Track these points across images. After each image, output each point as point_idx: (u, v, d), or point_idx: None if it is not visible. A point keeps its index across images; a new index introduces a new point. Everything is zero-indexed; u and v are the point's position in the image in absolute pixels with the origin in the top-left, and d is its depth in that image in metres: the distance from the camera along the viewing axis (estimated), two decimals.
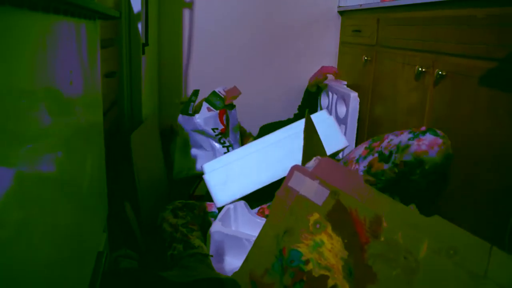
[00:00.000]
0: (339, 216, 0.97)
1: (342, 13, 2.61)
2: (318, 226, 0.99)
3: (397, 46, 1.91)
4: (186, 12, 2.46)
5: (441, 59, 1.54)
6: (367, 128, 2.20)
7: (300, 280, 0.97)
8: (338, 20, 2.64)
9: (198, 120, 1.83)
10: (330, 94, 2.45)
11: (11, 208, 0.48)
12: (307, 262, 0.97)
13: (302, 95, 2.60)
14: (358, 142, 2.28)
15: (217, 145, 1.86)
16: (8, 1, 0.44)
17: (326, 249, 0.97)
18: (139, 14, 1.59)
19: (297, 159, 1.39)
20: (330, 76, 2.62)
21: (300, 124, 1.51)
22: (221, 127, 1.86)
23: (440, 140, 1.35)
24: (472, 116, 1.37)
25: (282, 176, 1.39)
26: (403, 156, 1.37)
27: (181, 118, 1.88)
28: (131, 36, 1.59)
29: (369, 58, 2.17)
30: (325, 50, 2.68)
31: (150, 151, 1.65)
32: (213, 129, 1.85)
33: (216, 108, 1.87)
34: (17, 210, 0.50)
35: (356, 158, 1.54)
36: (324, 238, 0.97)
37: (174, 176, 1.90)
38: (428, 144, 1.34)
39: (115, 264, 1.19)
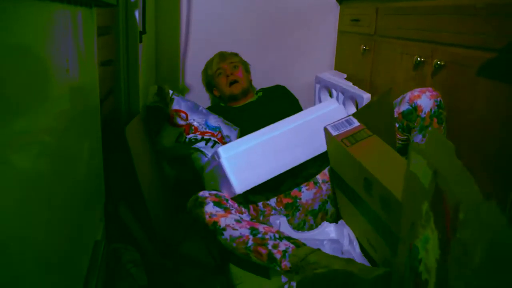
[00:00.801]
0: (438, 205, 0.74)
1: (340, 1, 2.59)
2: (427, 217, 0.78)
3: (395, 35, 1.90)
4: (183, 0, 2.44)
5: (440, 49, 1.54)
6: None
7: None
8: (336, 9, 2.63)
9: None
10: (334, 92, 2.34)
11: (8, 194, 0.48)
12: (419, 261, 0.79)
13: (300, 85, 2.60)
14: None
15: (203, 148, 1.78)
16: None
17: (430, 247, 0.76)
18: (136, 1, 1.57)
19: (317, 143, 1.41)
20: (327, 68, 2.61)
21: (317, 108, 1.51)
22: (181, 129, 1.75)
23: (430, 88, 1.45)
24: (470, 106, 1.37)
25: (301, 161, 1.41)
26: (400, 107, 1.47)
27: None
28: (128, 23, 1.58)
29: (367, 48, 2.17)
30: (323, 39, 2.67)
31: (147, 142, 1.64)
32: (177, 142, 1.74)
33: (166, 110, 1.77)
34: (13, 196, 0.50)
35: None
36: (429, 232, 0.77)
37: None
38: (420, 90, 1.45)
39: (116, 255, 1.19)
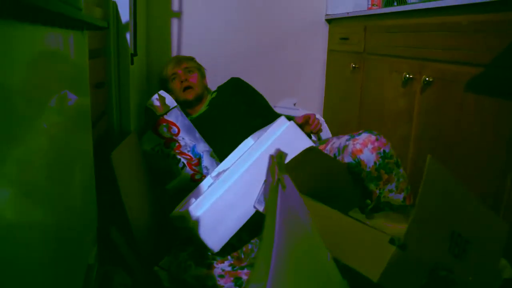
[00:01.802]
0: None
1: (329, 21, 2.63)
2: None
3: (384, 53, 1.93)
4: (174, 21, 2.47)
5: (428, 65, 1.56)
6: None
7: None
8: (325, 28, 2.67)
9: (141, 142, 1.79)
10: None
11: (2, 219, 0.47)
12: None
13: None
14: None
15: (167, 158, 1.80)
16: None
17: None
18: (127, 24, 1.59)
19: None
20: (317, 86, 2.64)
21: (269, 133, 1.46)
22: (162, 140, 1.77)
23: (373, 137, 1.39)
24: (459, 121, 1.39)
25: None
26: (344, 158, 1.42)
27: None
28: (120, 46, 1.59)
29: (357, 66, 2.19)
30: (313, 58, 2.70)
31: (135, 167, 1.62)
32: (153, 150, 1.77)
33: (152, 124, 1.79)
34: (6, 220, 0.49)
35: None
36: None
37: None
38: (362, 143, 1.39)
39: (107, 278, 1.18)
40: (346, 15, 2.36)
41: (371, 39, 2.08)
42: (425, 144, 1.58)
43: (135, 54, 1.66)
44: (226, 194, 1.35)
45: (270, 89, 2.66)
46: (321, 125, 1.81)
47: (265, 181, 1.06)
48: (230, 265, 1.33)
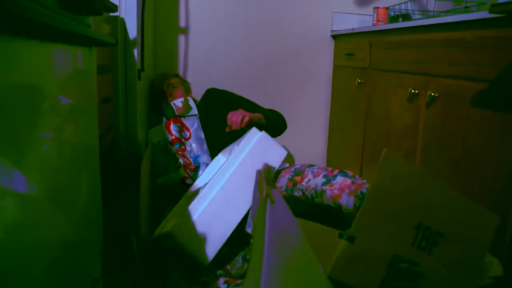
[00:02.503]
0: None
1: (335, 37, 2.65)
2: None
3: (389, 69, 1.94)
4: (181, 37, 2.49)
5: (433, 81, 1.57)
6: (362, 149, 2.21)
7: None
8: (331, 44, 2.68)
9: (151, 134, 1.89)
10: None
11: (5, 231, 0.48)
12: None
13: (296, 119, 2.62)
14: (363, 166, 2.28)
15: (167, 155, 1.87)
16: (6, 30, 0.45)
17: None
18: (135, 40, 1.61)
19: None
20: (323, 101, 2.64)
21: (243, 145, 1.49)
22: (170, 138, 1.85)
23: (349, 181, 1.41)
24: (465, 136, 1.38)
25: (249, 206, 1.39)
26: (324, 200, 1.42)
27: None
28: (127, 62, 1.61)
29: (362, 81, 2.20)
30: (319, 74, 2.71)
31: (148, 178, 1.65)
32: (160, 143, 1.85)
33: (167, 119, 1.89)
34: (11, 234, 0.50)
35: (284, 189, 1.57)
36: None
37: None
38: (339, 188, 1.40)
39: None
40: (352, 31, 2.37)
41: (376, 55, 2.09)
42: (431, 158, 1.58)
43: (142, 70, 1.68)
44: (210, 207, 1.38)
45: (276, 104, 2.67)
46: (245, 116, 1.75)
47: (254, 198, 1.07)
48: (225, 282, 1.32)
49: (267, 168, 0.94)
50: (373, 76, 2.10)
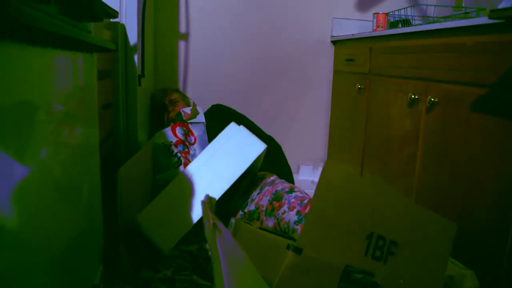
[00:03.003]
0: None
1: (335, 42, 2.66)
2: None
3: (389, 74, 1.94)
4: (181, 43, 2.50)
5: (433, 86, 1.57)
6: (362, 154, 2.21)
7: None
8: (331, 49, 2.69)
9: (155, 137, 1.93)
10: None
11: (6, 237, 0.48)
12: None
13: (296, 124, 2.63)
14: (364, 166, 2.28)
15: (169, 156, 1.90)
16: (9, 36, 0.46)
17: None
18: (135, 46, 1.61)
19: (229, 174, 1.45)
20: (324, 106, 2.64)
21: (220, 138, 1.54)
22: (174, 139, 1.89)
23: (305, 201, 1.46)
24: (465, 141, 1.39)
25: (218, 196, 1.43)
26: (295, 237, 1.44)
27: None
28: (128, 68, 1.62)
29: (362, 86, 2.20)
30: (319, 79, 2.72)
31: (140, 184, 1.64)
32: (164, 144, 1.89)
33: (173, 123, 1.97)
34: (13, 237, 0.50)
35: (264, 210, 1.59)
36: None
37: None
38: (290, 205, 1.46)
39: None
40: (351, 37, 2.38)
41: (376, 60, 2.09)
42: (431, 163, 1.58)
43: (142, 75, 1.68)
44: (174, 198, 1.40)
45: (276, 109, 2.68)
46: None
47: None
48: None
49: (209, 199, 0.98)
50: (373, 81, 2.10)
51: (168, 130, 1.88)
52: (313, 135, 2.76)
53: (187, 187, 1.41)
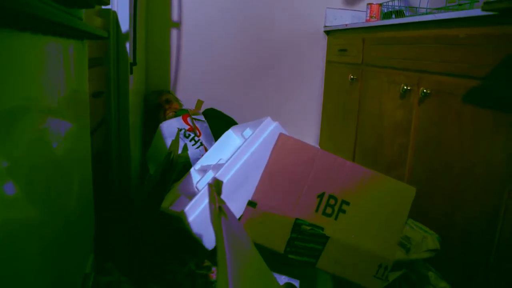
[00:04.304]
0: None
1: (328, 32, 2.65)
2: None
3: (382, 65, 1.94)
4: (173, 32, 2.48)
5: (426, 77, 1.57)
6: (354, 145, 2.21)
7: None
8: (324, 39, 2.68)
9: (168, 123, 2.05)
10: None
11: None
12: None
13: (289, 114, 2.63)
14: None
15: (185, 140, 2.02)
16: None
17: None
18: (127, 33, 1.59)
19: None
20: (316, 97, 2.64)
21: (257, 134, 1.49)
22: (187, 127, 2.03)
23: None
24: (457, 133, 1.39)
25: None
26: None
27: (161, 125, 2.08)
28: (119, 55, 1.60)
29: (355, 77, 2.20)
30: (311, 69, 2.71)
31: None
32: (179, 129, 2.01)
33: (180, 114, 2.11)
34: (2, 225, 0.49)
35: None
36: None
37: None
38: None
39: None
40: (345, 27, 2.37)
41: (369, 51, 2.09)
42: (423, 154, 1.59)
43: (134, 63, 1.67)
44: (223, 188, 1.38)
45: (268, 99, 2.67)
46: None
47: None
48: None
49: (216, 181, 1.00)
50: (366, 72, 2.10)
51: (179, 119, 2.01)
52: (305, 125, 2.76)
53: (231, 184, 1.39)
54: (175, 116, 2.13)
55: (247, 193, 1.38)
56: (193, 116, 2.09)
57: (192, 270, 1.34)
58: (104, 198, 1.38)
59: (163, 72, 2.51)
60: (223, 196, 1.34)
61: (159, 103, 2.29)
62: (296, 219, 1.15)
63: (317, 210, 1.16)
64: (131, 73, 1.66)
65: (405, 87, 1.68)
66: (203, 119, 2.11)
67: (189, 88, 2.50)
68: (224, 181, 1.38)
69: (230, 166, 1.41)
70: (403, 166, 1.69)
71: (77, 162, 0.95)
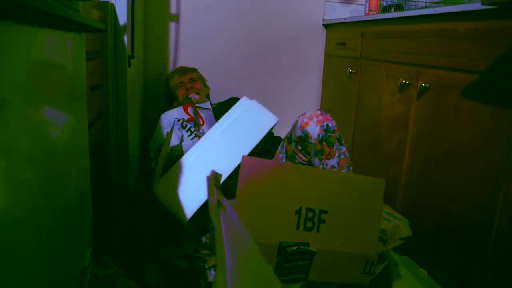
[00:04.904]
0: None
1: (326, 26, 2.64)
2: None
3: (381, 58, 1.94)
4: (172, 24, 2.47)
5: (424, 71, 1.57)
6: (352, 139, 2.21)
7: None
8: (323, 33, 2.67)
9: (168, 113, 2.00)
10: None
11: None
12: None
13: (287, 108, 2.63)
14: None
15: (182, 131, 1.98)
16: None
17: None
18: (125, 26, 1.58)
19: (242, 147, 1.48)
20: (315, 91, 2.63)
21: (232, 112, 1.56)
22: (186, 117, 1.97)
23: (319, 112, 1.51)
24: (455, 127, 1.39)
25: (234, 166, 1.45)
26: (296, 132, 1.54)
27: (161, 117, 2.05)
28: (117, 48, 1.59)
29: (353, 71, 2.20)
30: (310, 63, 2.70)
31: None
32: (177, 119, 1.96)
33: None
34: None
35: (279, 149, 1.70)
36: None
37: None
38: (309, 117, 1.52)
39: (108, 282, 1.17)
40: (343, 21, 2.37)
41: (368, 45, 2.08)
42: (421, 148, 1.59)
43: (132, 56, 1.66)
44: (193, 166, 1.39)
45: (267, 92, 2.67)
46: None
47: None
48: (212, 266, 1.34)
49: (214, 174, 1.01)
50: (365, 66, 2.10)
51: (180, 109, 1.95)
52: None
53: (202, 158, 1.42)
54: (182, 104, 2.06)
55: (222, 166, 1.41)
56: (199, 105, 2.04)
57: (189, 254, 1.34)
58: (102, 191, 1.38)
59: (162, 65, 2.50)
60: (191, 171, 1.36)
61: (181, 82, 2.20)
62: (280, 242, 1.12)
63: (298, 227, 1.13)
64: (129, 66, 1.65)
65: (403, 81, 1.67)
66: (209, 106, 2.06)
67: None
68: (194, 158, 1.41)
69: (201, 143, 1.45)
70: (401, 159, 1.70)
71: (75, 155, 0.95)
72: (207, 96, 2.27)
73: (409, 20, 1.72)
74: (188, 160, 1.43)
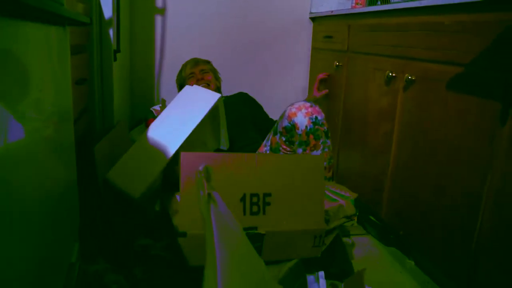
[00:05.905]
0: None
1: (313, 19, 2.64)
2: None
3: (367, 51, 1.94)
4: (158, 18, 2.45)
5: (411, 64, 1.58)
6: (339, 132, 2.22)
7: None
8: (309, 26, 2.67)
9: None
10: None
11: None
12: None
13: (274, 102, 2.62)
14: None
15: None
16: None
17: None
18: (110, 20, 1.57)
19: (182, 128, 1.50)
20: (301, 84, 2.63)
21: (173, 102, 1.60)
22: None
23: (308, 104, 1.53)
24: (441, 119, 1.40)
25: (185, 136, 1.48)
26: (282, 122, 1.55)
27: None
28: (103, 42, 1.57)
29: (340, 64, 2.20)
30: (297, 56, 2.70)
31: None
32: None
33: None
34: None
35: (265, 142, 1.71)
36: None
37: None
38: (297, 107, 1.53)
39: (97, 277, 1.16)
40: (330, 14, 2.37)
41: (354, 38, 2.09)
42: (407, 141, 1.60)
43: (118, 50, 1.65)
44: (140, 145, 1.47)
45: (254, 86, 2.66)
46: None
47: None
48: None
49: (205, 168, 1.01)
50: (351, 59, 2.11)
51: (143, 127, 1.97)
52: None
53: (150, 142, 1.46)
54: None
55: (169, 142, 1.46)
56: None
57: (167, 244, 1.33)
58: (88, 187, 1.37)
59: (148, 59, 2.48)
60: (139, 149, 1.39)
61: (193, 73, 2.20)
62: None
63: (244, 213, 1.16)
64: (115, 60, 1.63)
65: (390, 74, 1.68)
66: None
67: (175, 75, 2.48)
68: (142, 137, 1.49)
69: (151, 128, 1.50)
70: (388, 151, 1.71)
71: (60, 150, 0.94)
72: (218, 89, 2.28)
73: (395, 13, 1.72)
74: (135, 148, 1.48)
